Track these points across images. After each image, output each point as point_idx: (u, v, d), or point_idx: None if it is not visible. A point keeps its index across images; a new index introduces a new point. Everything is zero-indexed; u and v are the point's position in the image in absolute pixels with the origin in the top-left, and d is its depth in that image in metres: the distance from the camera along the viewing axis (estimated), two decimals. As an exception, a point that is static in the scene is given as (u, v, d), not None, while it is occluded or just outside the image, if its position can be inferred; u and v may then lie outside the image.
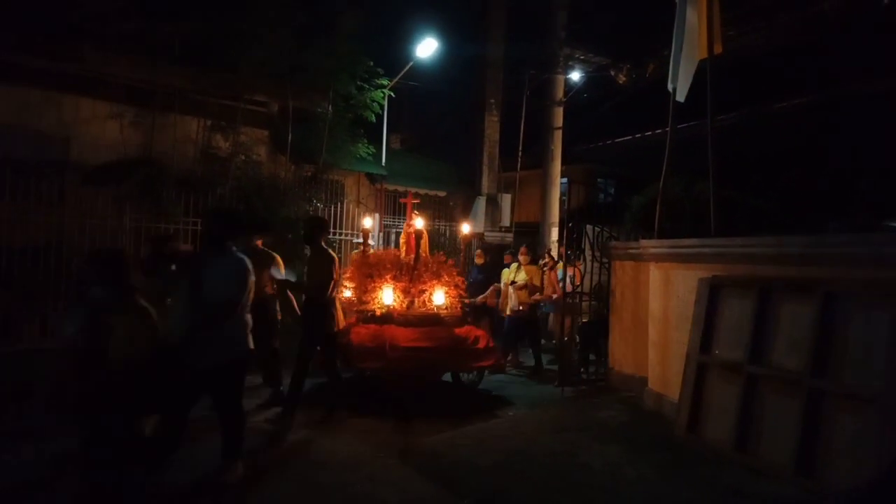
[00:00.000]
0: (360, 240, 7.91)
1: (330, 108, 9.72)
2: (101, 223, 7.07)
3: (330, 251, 5.62)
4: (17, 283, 6.34)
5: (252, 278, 3.90)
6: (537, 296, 8.27)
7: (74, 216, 6.87)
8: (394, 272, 6.48)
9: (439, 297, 6.39)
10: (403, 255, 6.83)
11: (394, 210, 12.40)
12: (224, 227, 3.96)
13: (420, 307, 6.36)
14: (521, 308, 7.93)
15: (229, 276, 3.78)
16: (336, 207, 9.96)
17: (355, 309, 6.54)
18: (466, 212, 13.38)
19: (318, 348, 5.60)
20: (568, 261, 7.62)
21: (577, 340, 7.74)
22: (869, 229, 5.07)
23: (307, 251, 6.19)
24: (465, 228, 7.73)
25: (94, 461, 3.56)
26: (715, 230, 5.54)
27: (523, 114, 13.22)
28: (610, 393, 6.79)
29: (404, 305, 6.30)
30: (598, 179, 16.73)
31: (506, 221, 13.44)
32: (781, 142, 11.22)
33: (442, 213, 13.29)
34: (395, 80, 11.09)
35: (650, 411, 5.96)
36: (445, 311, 6.40)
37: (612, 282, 7.17)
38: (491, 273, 8.96)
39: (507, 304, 8.11)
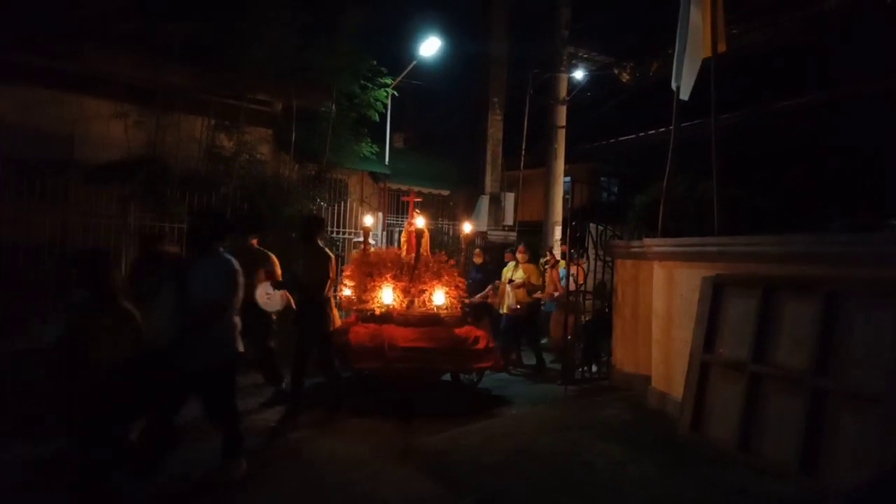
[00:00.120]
0: (372, 241, 7.88)
1: (333, 106, 9.74)
2: (105, 222, 7.10)
3: (327, 250, 5.59)
4: (20, 281, 6.36)
5: (241, 279, 3.81)
6: (539, 294, 8.26)
7: (78, 215, 6.90)
8: (394, 271, 6.44)
9: (439, 296, 6.35)
10: (404, 254, 6.80)
11: (397, 209, 12.41)
12: (211, 227, 3.89)
13: (420, 307, 6.32)
14: (518, 306, 7.89)
15: (217, 278, 3.71)
16: (339, 206, 9.97)
17: (355, 308, 6.50)
18: (469, 210, 13.37)
19: (314, 348, 5.57)
20: (571, 259, 7.62)
21: (583, 338, 7.72)
22: (872, 228, 5.05)
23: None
24: (467, 227, 7.69)
25: (91, 462, 3.52)
26: (718, 229, 5.53)
27: (526, 112, 13.20)
28: (613, 391, 6.78)
29: (404, 305, 6.27)
30: (602, 178, 16.72)
31: (509, 220, 13.43)
32: (785, 140, 11.18)
33: (445, 211, 13.29)
34: (399, 78, 11.09)
35: (653, 410, 5.95)
36: (445, 311, 6.36)
37: (615, 280, 7.17)
38: (490, 272, 8.93)
39: (504, 302, 8.07)
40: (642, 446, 4.86)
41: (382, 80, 10.38)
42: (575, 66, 12.62)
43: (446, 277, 6.51)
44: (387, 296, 6.27)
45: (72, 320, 3.58)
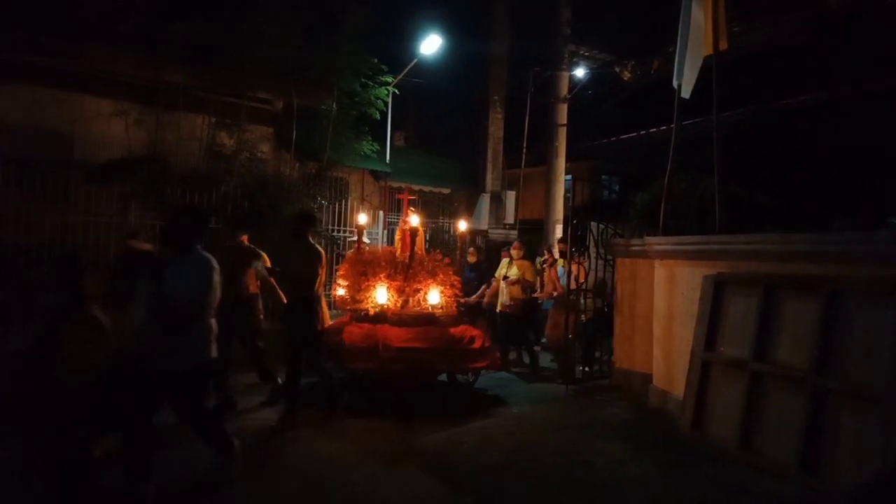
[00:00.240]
0: (367, 240, 7.82)
1: (334, 105, 9.72)
2: (106, 221, 7.09)
3: (318, 246, 5.50)
4: (22, 280, 6.36)
5: (218, 277, 3.66)
6: (538, 294, 8.22)
7: (79, 214, 6.89)
8: (388, 270, 6.35)
9: (434, 296, 6.25)
10: (399, 252, 6.70)
11: (398, 207, 12.39)
12: (189, 223, 3.74)
13: (415, 306, 6.23)
14: (511, 303, 7.83)
15: (195, 276, 3.56)
16: (340, 205, 9.96)
17: (349, 308, 6.41)
18: (470, 209, 13.37)
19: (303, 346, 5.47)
20: (570, 258, 7.58)
21: (583, 337, 7.71)
22: (874, 227, 5.04)
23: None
24: (462, 225, 7.62)
25: (69, 463, 3.46)
26: (720, 227, 5.52)
27: (527, 111, 13.19)
28: (613, 390, 6.78)
29: (398, 304, 6.18)
30: (603, 176, 16.72)
31: (510, 219, 13.42)
32: (787, 139, 11.17)
33: (446, 210, 13.29)
34: (400, 77, 11.08)
35: (654, 409, 5.95)
36: (441, 311, 6.27)
37: (616, 279, 7.16)
38: (485, 271, 8.89)
39: (498, 299, 8.02)
40: (643, 445, 4.87)
41: (383, 79, 10.37)
42: (576, 65, 12.60)
43: (441, 276, 6.42)
44: (381, 295, 6.17)
45: (44, 325, 3.48)
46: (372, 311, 6.13)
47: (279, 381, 5.76)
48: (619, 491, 4.05)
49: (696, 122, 8.90)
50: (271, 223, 7.84)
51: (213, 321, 3.71)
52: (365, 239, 7.50)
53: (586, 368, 7.54)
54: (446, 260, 6.72)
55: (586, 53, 12.53)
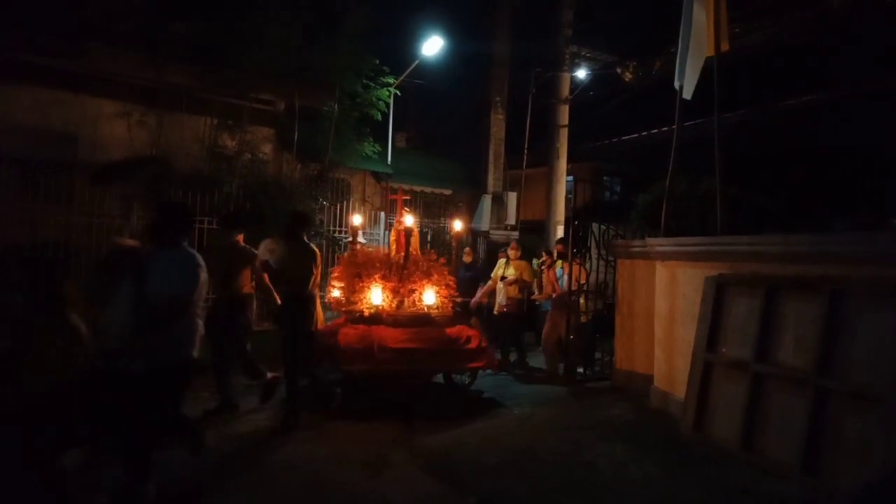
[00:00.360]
0: (362, 239, 7.77)
1: (336, 106, 9.74)
2: (109, 222, 7.11)
3: (312, 246, 5.47)
4: (24, 282, 6.37)
5: (204, 274, 3.55)
6: (536, 295, 8.19)
7: (82, 215, 6.91)
8: (383, 271, 6.30)
9: (430, 296, 6.22)
10: (394, 253, 6.66)
11: (400, 208, 12.40)
12: (173, 219, 3.63)
13: (410, 307, 6.19)
14: (507, 303, 7.78)
15: (178, 271, 3.45)
16: (342, 206, 9.98)
17: (344, 309, 6.37)
18: (472, 210, 13.38)
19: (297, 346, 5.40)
20: (566, 259, 7.58)
21: (583, 338, 7.70)
22: (875, 227, 5.04)
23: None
24: (458, 225, 7.58)
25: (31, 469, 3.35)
26: (721, 228, 5.52)
27: (529, 112, 13.20)
28: (615, 391, 6.78)
29: (393, 305, 6.14)
30: (604, 177, 16.72)
31: (511, 220, 13.43)
32: (788, 140, 11.16)
33: (447, 211, 13.29)
34: (401, 78, 11.09)
35: (656, 410, 5.95)
36: (436, 311, 6.23)
37: (617, 280, 7.16)
38: (480, 272, 8.85)
39: (495, 300, 7.97)
40: (645, 446, 4.87)
41: (385, 80, 10.39)
42: (577, 65, 12.62)
43: (436, 276, 6.39)
44: (376, 296, 6.12)
45: (14, 329, 3.39)
46: (367, 312, 6.09)
47: (267, 375, 5.65)
48: (620, 492, 4.05)
49: (698, 123, 8.89)
50: (273, 224, 7.84)
51: (199, 320, 3.62)
52: (361, 239, 7.46)
53: (585, 371, 7.54)
54: (441, 260, 6.67)
55: (588, 54, 12.54)
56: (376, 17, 9.65)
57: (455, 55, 12.90)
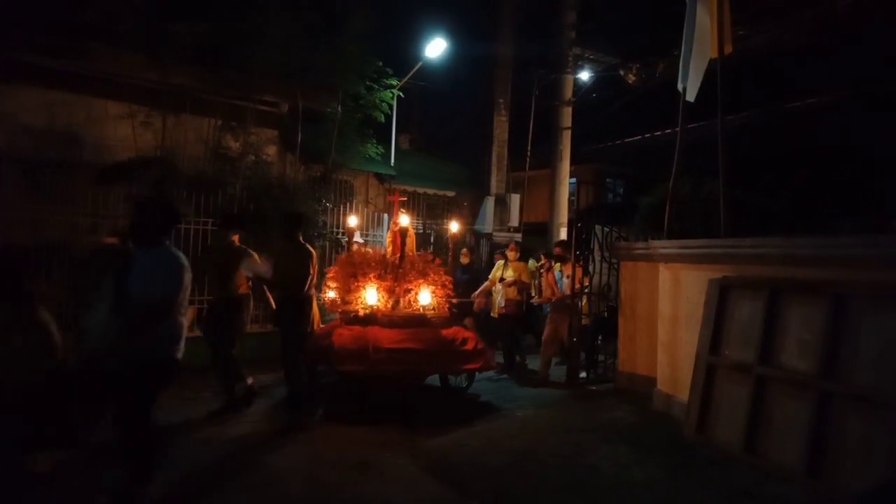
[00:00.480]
0: (360, 239, 7.71)
1: (339, 108, 9.76)
2: (113, 222, 7.13)
3: (308, 246, 5.44)
4: (29, 282, 6.39)
5: (188, 275, 3.46)
6: (536, 298, 8.15)
7: (86, 216, 6.93)
8: (378, 271, 6.25)
9: (425, 297, 6.14)
10: (390, 253, 6.58)
11: (404, 210, 12.40)
12: (158, 217, 3.53)
13: (405, 307, 6.13)
14: (505, 304, 7.73)
15: (162, 272, 3.36)
16: (345, 207, 9.99)
17: (339, 310, 6.32)
18: (475, 212, 13.39)
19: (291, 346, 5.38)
20: (563, 261, 7.55)
21: (585, 341, 7.68)
22: (879, 230, 5.02)
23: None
24: (454, 226, 7.44)
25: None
26: (725, 231, 5.51)
27: (532, 114, 13.21)
28: (617, 394, 6.78)
29: (389, 306, 6.08)
30: (608, 179, 16.69)
31: (514, 221, 13.42)
32: (792, 142, 11.14)
33: (450, 212, 13.30)
34: (405, 80, 11.11)
35: (659, 412, 5.95)
36: (432, 312, 6.15)
37: (620, 282, 7.15)
38: (477, 273, 8.78)
39: (494, 302, 7.93)
40: (648, 448, 4.86)
41: (388, 82, 10.40)
42: (581, 68, 12.62)
43: (432, 277, 6.31)
44: (371, 297, 6.06)
45: None
46: (362, 313, 6.02)
47: (239, 386, 5.52)
48: (623, 494, 4.04)
49: (701, 125, 8.88)
50: (275, 226, 7.86)
51: (183, 321, 3.52)
52: (360, 239, 7.42)
53: (588, 373, 7.53)
54: (437, 261, 6.59)
55: (591, 56, 12.54)
56: (379, 18, 9.68)
57: (458, 57, 12.92)
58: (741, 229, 5.45)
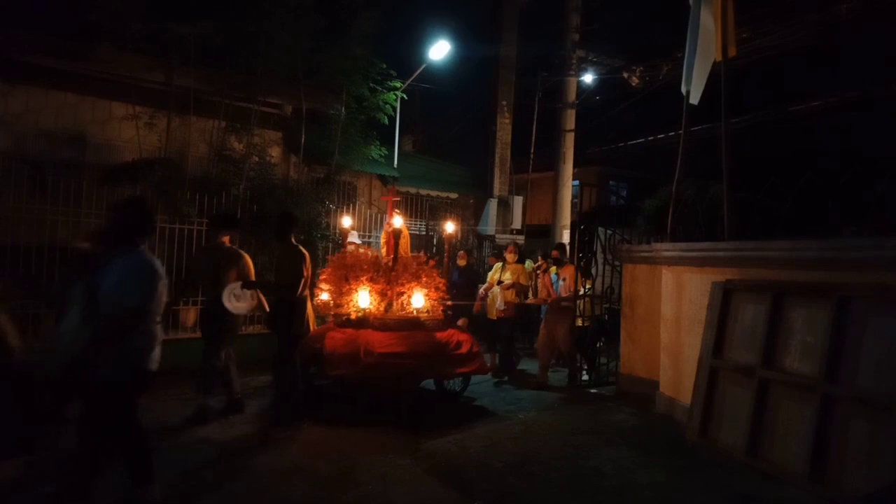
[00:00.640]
0: (357, 240, 7.63)
1: (343, 109, 9.79)
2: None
3: (301, 248, 5.37)
4: (33, 282, 6.42)
5: (163, 281, 3.29)
6: (532, 299, 8.10)
7: (90, 216, 6.95)
8: (371, 273, 6.13)
9: (419, 299, 6.03)
10: (384, 255, 6.49)
11: (407, 212, 12.44)
12: (131, 219, 3.33)
13: (399, 310, 6.02)
14: (504, 307, 7.65)
15: (134, 279, 3.19)
16: (348, 209, 10.01)
17: (331, 313, 6.22)
18: (478, 214, 13.40)
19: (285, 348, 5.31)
20: (559, 264, 7.52)
21: (585, 343, 7.65)
22: (885, 233, 5.01)
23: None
24: (450, 227, 7.35)
25: None
26: (728, 233, 5.50)
27: (535, 116, 13.23)
28: (620, 396, 6.77)
29: (381, 309, 5.97)
30: (611, 182, 16.70)
31: (517, 224, 13.43)
32: (797, 145, 11.13)
33: (453, 214, 13.31)
34: (408, 82, 11.13)
35: (661, 415, 5.94)
36: (426, 315, 6.03)
37: (623, 285, 7.14)
38: (474, 276, 8.72)
39: (492, 305, 7.85)
40: (650, 451, 4.86)
41: (392, 84, 10.44)
42: (584, 70, 12.62)
43: (426, 279, 6.18)
44: (363, 299, 5.94)
45: None
46: (354, 316, 5.92)
47: (208, 401, 5.40)
48: (626, 497, 4.04)
49: (705, 127, 8.88)
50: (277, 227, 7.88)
51: (157, 329, 3.36)
52: (356, 240, 7.34)
53: (590, 376, 7.51)
54: (431, 263, 6.47)
55: (595, 59, 12.55)
56: (384, 20, 9.71)
57: (462, 59, 12.94)
58: (745, 232, 5.44)
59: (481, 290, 8.05)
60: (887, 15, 8.68)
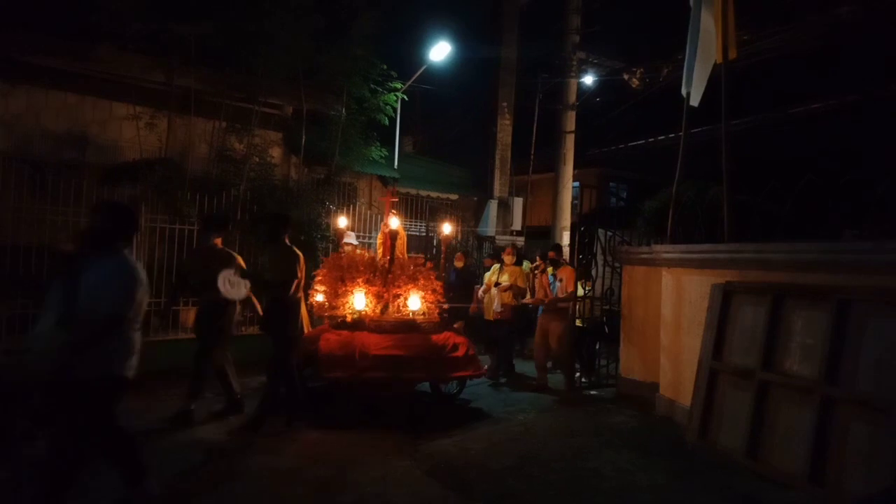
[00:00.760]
0: (354, 241, 7.58)
1: (343, 110, 9.79)
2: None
3: (295, 248, 5.32)
4: (33, 282, 6.42)
5: (143, 287, 3.20)
6: (528, 299, 8.09)
7: (90, 216, 6.96)
8: (367, 275, 6.07)
9: (415, 301, 5.98)
10: (380, 256, 6.42)
11: (407, 213, 12.44)
12: (114, 221, 3.24)
13: (394, 312, 5.97)
14: (501, 310, 7.63)
15: (113, 285, 3.08)
16: (348, 210, 10.01)
17: (326, 314, 6.18)
18: (478, 215, 13.41)
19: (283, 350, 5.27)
20: (556, 265, 7.51)
21: (583, 345, 7.64)
22: (885, 236, 5.02)
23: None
24: (447, 228, 7.26)
25: None
26: (729, 235, 5.51)
27: (536, 117, 13.23)
28: (620, 399, 6.77)
29: (377, 311, 5.92)
30: (611, 183, 16.73)
31: (517, 225, 13.44)
32: (797, 146, 11.15)
33: (454, 216, 13.31)
34: (409, 83, 11.14)
35: (661, 417, 5.94)
36: (422, 317, 5.98)
37: (622, 286, 7.14)
38: (471, 277, 8.70)
39: (489, 307, 7.83)
40: (650, 453, 4.86)
41: (392, 85, 10.44)
42: (585, 72, 12.63)
43: (423, 281, 6.12)
44: (359, 301, 5.89)
45: None
46: (349, 318, 5.88)
47: (192, 407, 5.31)
48: (626, 498, 4.04)
49: (705, 129, 8.89)
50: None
51: (136, 336, 3.25)
52: (353, 241, 7.30)
53: (591, 378, 7.51)
54: (429, 264, 6.41)
55: (595, 60, 12.55)
56: (384, 21, 9.72)
57: (462, 61, 12.95)
58: (745, 234, 5.44)
59: (479, 292, 8.03)
60: (888, 16, 8.68)
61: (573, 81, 12.51)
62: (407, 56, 12.04)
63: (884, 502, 3.29)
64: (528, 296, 7.96)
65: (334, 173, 9.95)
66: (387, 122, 10.64)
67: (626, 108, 12.59)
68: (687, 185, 6.41)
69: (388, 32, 10.02)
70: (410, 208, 12.37)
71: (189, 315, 7.60)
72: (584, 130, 13.11)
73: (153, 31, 7.79)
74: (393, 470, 4.37)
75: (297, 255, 5.26)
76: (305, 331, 5.78)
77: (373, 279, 6.06)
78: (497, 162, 13.18)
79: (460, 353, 5.84)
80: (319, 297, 6.28)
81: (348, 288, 6.01)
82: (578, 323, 7.48)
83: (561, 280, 7.21)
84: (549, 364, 7.46)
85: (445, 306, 6.38)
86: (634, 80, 11.84)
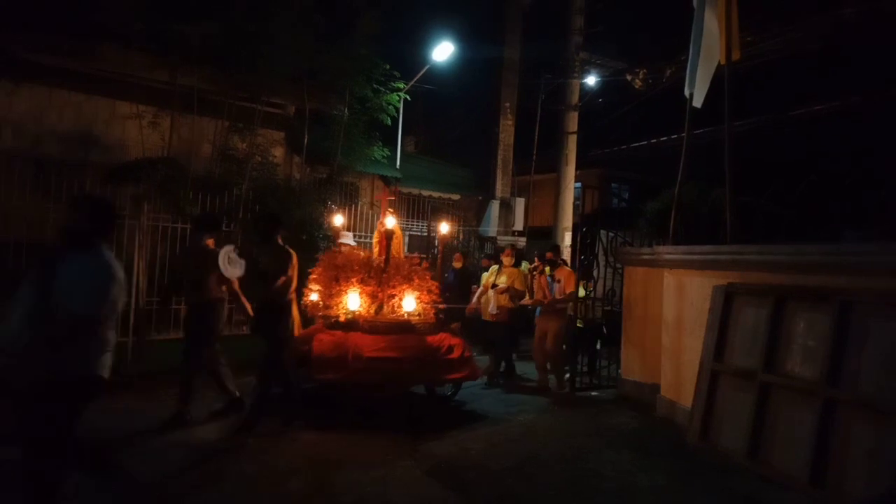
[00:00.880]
0: (352, 241, 7.55)
1: (346, 110, 9.81)
2: (119, 222, 7.16)
3: (288, 248, 5.26)
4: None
5: (119, 286, 3.06)
6: (527, 299, 8.05)
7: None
8: (362, 274, 5.94)
9: (410, 302, 5.83)
10: (376, 255, 6.29)
11: (409, 213, 12.46)
12: (91, 216, 3.11)
13: (389, 313, 5.83)
14: (497, 311, 7.49)
15: (87, 283, 2.95)
16: (350, 209, 10.02)
17: (320, 314, 6.06)
18: (480, 215, 13.41)
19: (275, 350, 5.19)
20: (554, 266, 7.50)
21: (583, 347, 7.62)
22: (887, 238, 5.02)
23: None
24: (444, 228, 7.18)
25: None
26: (731, 237, 5.50)
27: (538, 118, 13.24)
28: (621, 400, 6.76)
29: (372, 311, 5.80)
30: (613, 184, 16.72)
31: (519, 225, 13.44)
32: (800, 148, 11.13)
33: (455, 216, 13.33)
34: (411, 83, 11.15)
35: (662, 418, 5.93)
36: (417, 318, 5.83)
37: (624, 287, 7.13)
38: (468, 277, 8.66)
39: (485, 308, 7.68)
40: (651, 454, 4.85)
41: (395, 85, 10.46)
42: (587, 72, 12.64)
43: (418, 281, 5.99)
44: (353, 301, 5.75)
45: None
46: (343, 318, 5.74)
47: (188, 416, 5.23)
48: (626, 499, 4.04)
49: (708, 130, 8.88)
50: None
51: (111, 335, 3.12)
52: (351, 241, 7.28)
53: (591, 379, 7.49)
54: (425, 264, 6.31)
55: (598, 61, 12.56)
56: (387, 22, 9.73)
57: (465, 61, 12.97)
58: (748, 236, 5.44)
59: (476, 294, 8.00)
60: (891, 18, 8.67)
61: (576, 82, 12.52)
62: (409, 56, 12.07)
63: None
64: (527, 297, 7.93)
65: (336, 173, 9.97)
66: (389, 121, 10.65)
67: (629, 108, 12.59)
68: (689, 187, 6.40)
69: (391, 32, 10.06)
70: (412, 208, 12.39)
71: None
72: (586, 131, 13.11)
73: (156, 31, 7.81)
74: (393, 470, 4.37)
75: (290, 255, 5.19)
76: (296, 332, 5.70)
77: (367, 279, 5.96)
78: (499, 162, 13.18)
79: (455, 355, 5.73)
80: (314, 297, 6.19)
81: (343, 287, 5.91)
82: (579, 324, 7.46)
83: (559, 281, 7.19)
84: (549, 365, 7.45)
85: (442, 306, 6.30)
86: (637, 80, 11.84)
